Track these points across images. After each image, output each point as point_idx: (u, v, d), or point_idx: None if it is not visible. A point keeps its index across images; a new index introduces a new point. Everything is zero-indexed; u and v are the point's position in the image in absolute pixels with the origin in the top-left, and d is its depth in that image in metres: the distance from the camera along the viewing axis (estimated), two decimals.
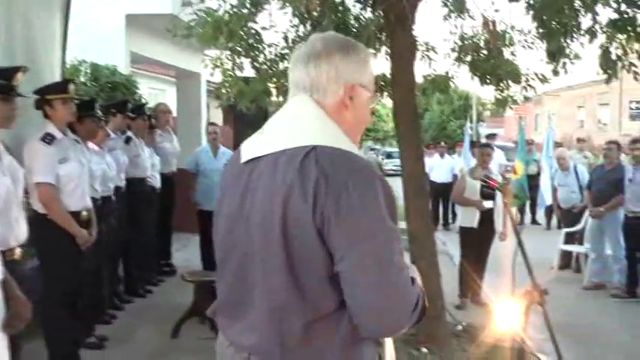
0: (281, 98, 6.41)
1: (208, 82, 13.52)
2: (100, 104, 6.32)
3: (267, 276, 1.70)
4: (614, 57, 5.34)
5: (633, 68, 5.34)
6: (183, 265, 8.23)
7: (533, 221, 14.61)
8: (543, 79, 6.49)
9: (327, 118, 1.79)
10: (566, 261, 9.72)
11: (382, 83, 7.04)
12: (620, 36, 5.26)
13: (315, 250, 1.64)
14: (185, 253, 9.37)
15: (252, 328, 1.76)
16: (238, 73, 6.42)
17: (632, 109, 26.66)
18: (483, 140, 14.42)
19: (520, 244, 2.86)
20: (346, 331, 1.70)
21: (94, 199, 5.29)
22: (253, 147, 1.83)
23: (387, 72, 6.08)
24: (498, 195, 6.83)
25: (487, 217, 7.26)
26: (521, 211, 14.31)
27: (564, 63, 6.01)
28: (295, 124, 1.78)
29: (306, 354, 1.70)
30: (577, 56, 5.99)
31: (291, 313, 1.68)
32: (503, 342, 5.07)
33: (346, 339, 1.70)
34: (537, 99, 38.45)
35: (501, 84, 6.76)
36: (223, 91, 6.47)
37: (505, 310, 2.86)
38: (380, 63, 6.57)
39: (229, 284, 1.85)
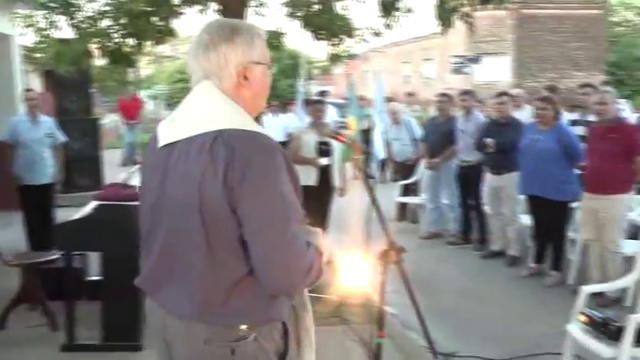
0: (105, 61, 5.94)
1: (24, 46, 12.43)
2: None
3: (189, 248, 1.93)
4: (449, 7, 5.41)
5: (469, 19, 5.44)
6: (7, 247, 7.51)
7: (367, 175, 14.98)
8: (377, 33, 6.51)
9: (229, 100, 1.99)
10: (403, 213, 10.01)
11: None
12: None
13: (227, 220, 1.87)
14: (8, 233, 8.59)
15: (178, 296, 1.97)
16: (55, 34, 5.87)
17: (452, 64, 27.95)
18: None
19: (374, 201, 2.77)
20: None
21: None
22: (167, 133, 2.04)
23: None
24: (335, 151, 6.81)
25: (325, 174, 7.20)
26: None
27: (397, 17, 6.03)
28: (201, 111, 1.98)
29: (232, 310, 1.92)
30: (410, 10, 6.04)
31: (212, 279, 1.91)
32: (349, 299, 5.09)
33: (266, 294, 1.94)
34: (364, 56, 39.45)
35: (335, 39, 6.71)
36: (37, 55, 5.89)
37: (351, 267, 2.81)
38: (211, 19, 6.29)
39: (157, 256, 2.04)
